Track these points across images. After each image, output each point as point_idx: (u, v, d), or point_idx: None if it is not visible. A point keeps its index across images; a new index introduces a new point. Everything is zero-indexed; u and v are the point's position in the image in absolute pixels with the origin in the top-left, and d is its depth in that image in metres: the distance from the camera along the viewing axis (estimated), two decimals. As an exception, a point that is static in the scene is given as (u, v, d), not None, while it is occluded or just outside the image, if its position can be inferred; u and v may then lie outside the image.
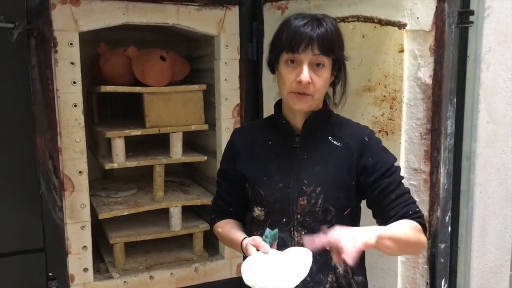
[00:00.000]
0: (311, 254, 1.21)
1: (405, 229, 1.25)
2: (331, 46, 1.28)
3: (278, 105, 1.44)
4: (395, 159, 1.37)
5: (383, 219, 1.32)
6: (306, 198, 1.32)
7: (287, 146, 1.38)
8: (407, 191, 1.33)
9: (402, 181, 1.35)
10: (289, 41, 1.27)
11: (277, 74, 1.36)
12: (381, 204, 1.32)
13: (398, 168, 1.36)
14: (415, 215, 1.29)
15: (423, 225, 1.30)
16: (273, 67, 1.39)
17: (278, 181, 1.35)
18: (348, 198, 1.35)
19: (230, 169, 1.47)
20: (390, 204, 1.30)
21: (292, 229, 1.34)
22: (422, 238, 1.29)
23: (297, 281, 1.16)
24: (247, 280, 1.18)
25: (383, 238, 1.17)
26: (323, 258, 1.32)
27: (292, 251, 1.25)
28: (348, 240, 1.10)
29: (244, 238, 1.34)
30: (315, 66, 1.27)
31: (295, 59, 1.27)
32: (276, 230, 1.29)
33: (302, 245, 1.31)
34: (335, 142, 1.36)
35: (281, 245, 1.30)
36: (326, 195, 1.32)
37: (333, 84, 1.39)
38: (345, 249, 1.08)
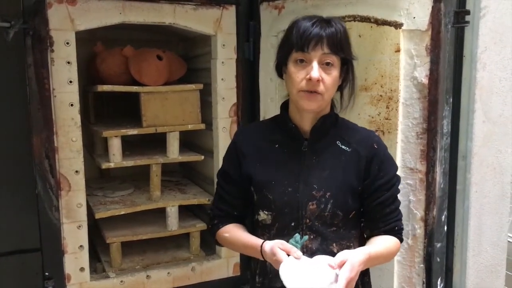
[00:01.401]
0: None
1: (388, 250, 1.36)
2: (340, 45, 1.29)
3: (285, 106, 1.42)
4: (397, 168, 1.44)
5: (370, 226, 1.42)
6: (316, 202, 1.33)
7: (295, 150, 1.37)
8: (399, 205, 1.42)
9: (399, 184, 1.43)
10: (299, 40, 1.27)
11: (286, 75, 1.35)
12: (374, 215, 1.39)
13: (399, 179, 1.43)
14: (399, 232, 1.40)
15: (402, 240, 1.43)
16: (281, 70, 1.40)
17: (287, 185, 1.35)
18: (355, 202, 1.37)
19: (235, 171, 1.43)
20: (383, 217, 1.38)
21: (301, 233, 1.32)
22: (397, 252, 1.42)
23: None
24: (291, 286, 1.16)
25: (370, 262, 1.28)
26: None
27: (323, 259, 1.24)
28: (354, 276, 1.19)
29: (264, 242, 1.32)
30: (324, 65, 1.28)
31: (304, 58, 1.28)
32: (306, 237, 1.30)
33: (311, 249, 1.33)
34: (343, 147, 1.37)
35: None
36: (335, 200, 1.33)
37: (340, 88, 1.39)
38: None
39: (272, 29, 2.08)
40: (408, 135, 1.69)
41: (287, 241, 1.27)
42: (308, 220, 1.33)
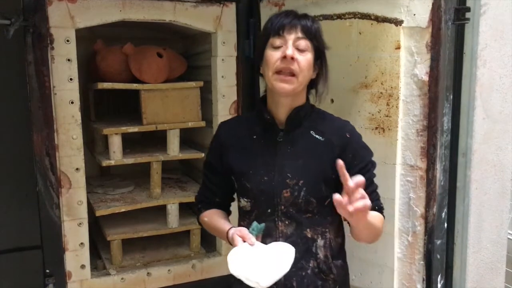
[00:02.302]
0: (293, 250, 1.31)
1: (378, 220, 1.40)
2: (313, 33, 1.37)
3: (263, 100, 1.49)
4: (372, 155, 1.47)
5: None
6: (290, 190, 1.39)
7: (271, 140, 1.44)
8: (375, 188, 1.46)
9: (374, 169, 1.48)
10: (275, 26, 1.36)
11: (263, 62, 1.40)
12: None
13: (374, 164, 1.47)
14: (379, 210, 1.44)
15: (384, 217, 1.46)
16: (259, 67, 1.45)
17: (263, 174, 1.42)
18: (329, 190, 1.40)
19: (217, 162, 1.52)
20: None
21: (276, 219, 1.41)
22: (382, 225, 1.44)
23: (278, 276, 1.26)
24: (232, 270, 1.27)
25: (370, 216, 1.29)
26: (305, 246, 1.41)
27: (276, 246, 1.33)
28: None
29: (230, 228, 1.42)
30: (298, 50, 1.35)
31: (280, 42, 1.35)
32: (263, 224, 1.37)
33: (286, 234, 1.41)
34: (317, 137, 1.42)
35: (267, 234, 1.39)
36: (308, 188, 1.39)
37: (316, 82, 1.45)
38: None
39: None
40: (408, 132, 1.69)
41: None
42: (283, 207, 1.40)
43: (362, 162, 1.42)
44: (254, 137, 1.46)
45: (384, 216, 1.46)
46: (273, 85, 1.37)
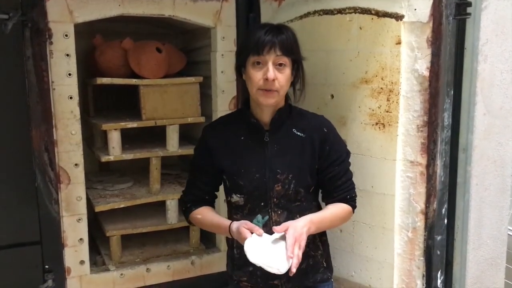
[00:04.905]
0: None
1: (334, 214, 1.57)
2: (291, 48, 1.50)
3: (246, 103, 1.62)
4: (346, 145, 1.65)
5: (326, 196, 1.62)
6: (281, 184, 1.54)
7: (259, 140, 1.57)
8: (350, 177, 1.62)
9: (348, 159, 1.64)
10: (255, 45, 1.47)
11: (246, 76, 1.55)
12: (329, 187, 1.60)
13: (348, 154, 1.64)
14: (351, 199, 1.61)
15: (354, 207, 1.62)
16: (240, 71, 1.59)
17: (254, 172, 1.55)
18: (313, 179, 1.59)
19: (205, 162, 1.63)
20: (336, 188, 1.59)
21: (270, 210, 1.56)
22: (348, 216, 1.62)
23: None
24: (252, 259, 1.39)
25: (314, 225, 1.48)
26: None
27: (279, 235, 1.45)
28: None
29: (232, 223, 1.53)
30: (278, 66, 1.48)
31: (260, 60, 1.48)
32: (267, 217, 1.53)
33: (279, 222, 1.52)
34: (299, 133, 1.58)
35: (262, 224, 1.52)
36: (297, 180, 1.55)
37: (293, 84, 1.58)
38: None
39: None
40: (409, 128, 1.69)
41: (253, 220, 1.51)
42: (275, 199, 1.55)
43: (337, 154, 1.58)
44: (242, 138, 1.59)
45: (354, 206, 1.61)
46: (257, 99, 1.51)
